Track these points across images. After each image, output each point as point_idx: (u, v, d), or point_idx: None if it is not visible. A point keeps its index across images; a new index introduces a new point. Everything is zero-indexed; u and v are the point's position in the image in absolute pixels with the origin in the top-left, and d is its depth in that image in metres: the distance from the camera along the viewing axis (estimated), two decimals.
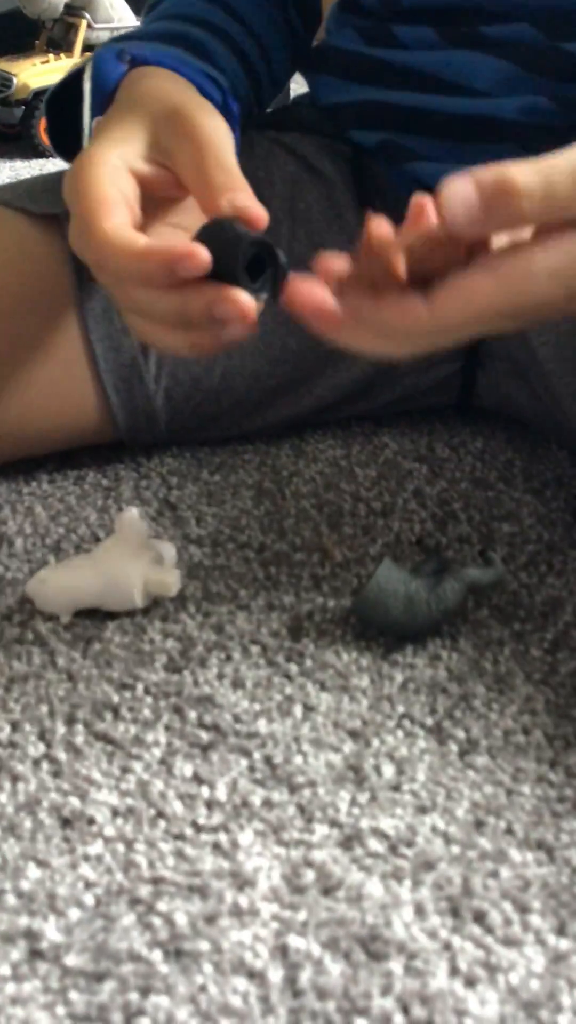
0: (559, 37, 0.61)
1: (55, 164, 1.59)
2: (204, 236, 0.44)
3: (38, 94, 1.60)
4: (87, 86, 0.57)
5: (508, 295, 0.41)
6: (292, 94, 1.67)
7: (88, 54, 1.67)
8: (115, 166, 0.48)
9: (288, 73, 0.73)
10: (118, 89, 0.56)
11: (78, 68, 0.62)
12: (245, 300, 0.43)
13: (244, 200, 0.45)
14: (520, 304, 0.41)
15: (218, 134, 0.48)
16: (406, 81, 0.66)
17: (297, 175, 0.70)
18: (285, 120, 0.74)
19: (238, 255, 0.43)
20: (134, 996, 0.35)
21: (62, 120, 0.65)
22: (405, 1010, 0.35)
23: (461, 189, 0.41)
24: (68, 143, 0.67)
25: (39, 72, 1.62)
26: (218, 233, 0.44)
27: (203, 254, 0.43)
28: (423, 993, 0.36)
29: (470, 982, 0.36)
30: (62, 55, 1.67)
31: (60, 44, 1.69)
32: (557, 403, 0.64)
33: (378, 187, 0.70)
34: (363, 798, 0.43)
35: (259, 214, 0.45)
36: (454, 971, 0.36)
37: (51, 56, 1.66)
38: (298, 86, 0.79)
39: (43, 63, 1.64)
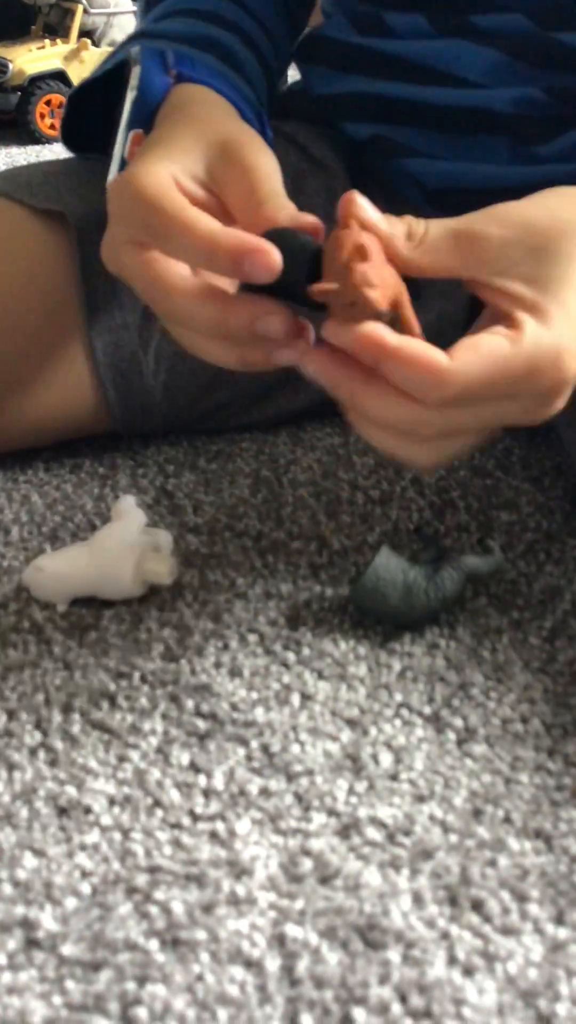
0: (552, 27, 0.61)
1: (51, 151, 1.58)
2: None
3: (34, 80, 1.59)
4: (131, 95, 0.55)
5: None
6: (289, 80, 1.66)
7: (85, 40, 1.66)
8: (171, 179, 0.46)
9: (289, 61, 0.72)
10: (162, 104, 0.55)
11: (109, 66, 0.60)
12: (288, 320, 0.42)
13: (302, 214, 0.44)
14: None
15: (270, 167, 0.46)
16: (397, 71, 0.65)
17: (299, 166, 0.69)
18: (285, 108, 0.73)
19: (303, 264, 0.40)
20: (131, 985, 0.35)
21: (74, 112, 0.64)
22: (403, 999, 0.35)
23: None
24: (76, 135, 0.66)
25: (35, 58, 1.61)
26: (279, 239, 0.41)
27: (275, 254, 0.40)
28: (421, 982, 0.35)
29: (468, 971, 0.36)
30: (58, 40, 1.66)
31: (56, 29, 1.68)
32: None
33: (375, 179, 0.70)
34: (361, 787, 0.43)
35: (318, 224, 0.43)
36: (452, 960, 0.36)
37: (47, 41, 1.65)
38: (295, 72, 0.79)
39: (39, 48, 1.63)
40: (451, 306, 0.67)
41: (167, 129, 0.51)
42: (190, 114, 0.52)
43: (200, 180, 0.47)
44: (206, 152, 0.48)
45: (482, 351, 0.40)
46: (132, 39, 0.62)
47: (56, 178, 0.65)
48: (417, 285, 0.53)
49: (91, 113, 0.64)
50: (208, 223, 0.43)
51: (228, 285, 0.45)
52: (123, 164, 0.55)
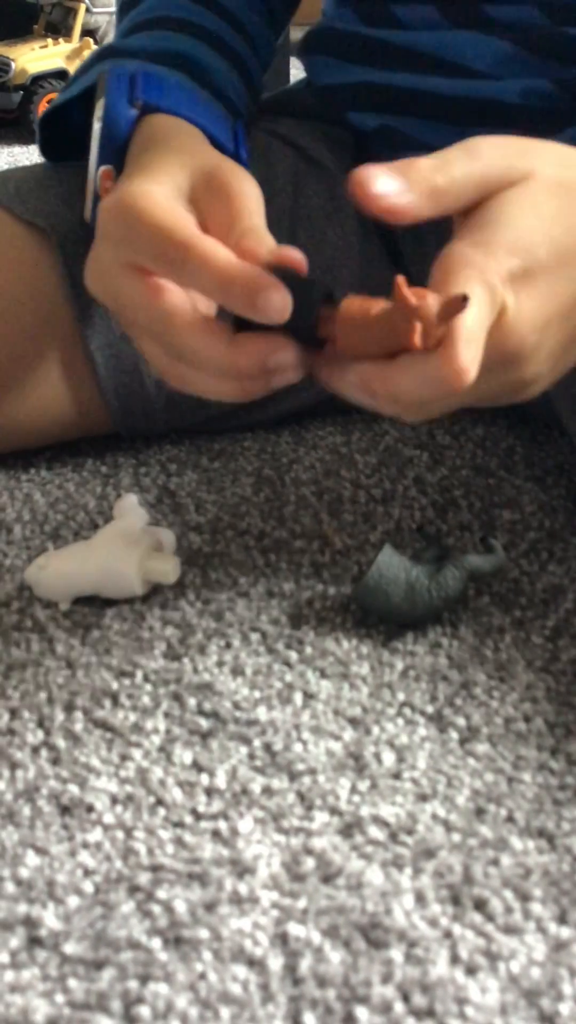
0: (565, 22, 0.61)
1: None
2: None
3: (36, 79, 1.59)
4: (97, 126, 0.54)
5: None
6: (292, 79, 1.66)
7: (88, 39, 1.66)
8: (176, 203, 0.45)
9: (272, 55, 0.71)
10: (132, 135, 0.54)
11: (78, 89, 0.59)
12: (298, 351, 0.42)
13: (284, 248, 0.43)
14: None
15: (253, 198, 0.46)
16: (405, 61, 0.65)
17: (297, 168, 0.69)
18: (282, 105, 0.73)
19: (310, 302, 0.41)
20: (133, 984, 0.35)
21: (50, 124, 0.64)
22: (406, 998, 0.35)
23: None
24: (53, 142, 0.66)
25: (38, 57, 1.61)
26: (285, 278, 0.41)
27: (287, 295, 0.40)
28: (424, 981, 0.35)
29: (471, 970, 0.36)
30: (61, 39, 1.66)
31: (59, 28, 1.68)
32: (558, 400, 0.64)
33: None
34: (363, 786, 0.43)
35: (301, 260, 0.43)
36: (455, 959, 0.36)
37: (50, 40, 1.65)
38: (298, 71, 0.78)
39: (42, 48, 1.63)
40: None
41: (148, 158, 0.49)
42: (168, 144, 0.51)
43: (187, 197, 0.46)
44: (189, 178, 0.47)
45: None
46: (101, 56, 0.61)
47: (47, 185, 0.65)
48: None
49: (68, 121, 0.64)
50: (226, 254, 0.42)
51: (206, 308, 0.44)
52: (97, 198, 0.55)
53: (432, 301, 0.39)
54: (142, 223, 0.43)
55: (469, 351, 0.39)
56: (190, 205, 0.46)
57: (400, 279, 0.39)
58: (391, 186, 0.40)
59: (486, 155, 0.42)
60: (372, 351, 0.41)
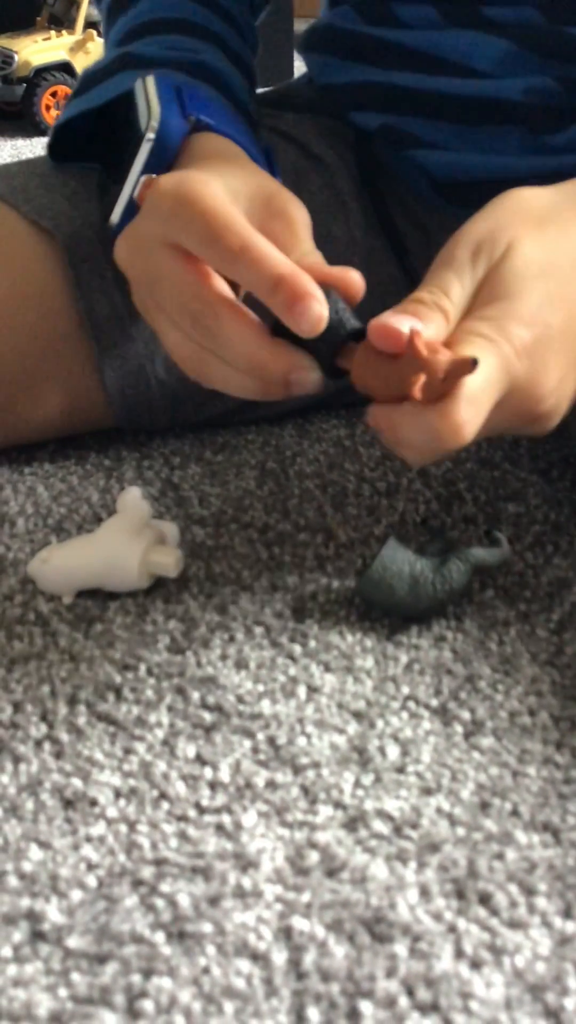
0: (563, 21, 0.60)
1: None
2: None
3: (40, 71, 1.58)
4: (149, 137, 0.54)
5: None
6: (296, 72, 1.66)
7: (91, 31, 1.66)
8: (228, 196, 0.46)
9: (257, 42, 0.70)
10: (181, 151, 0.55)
11: (108, 97, 0.59)
12: (321, 379, 0.45)
13: (346, 269, 0.46)
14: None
15: (308, 225, 0.48)
16: (407, 61, 0.64)
17: (298, 164, 0.69)
18: (284, 99, 0.73)
19: (339, 333, 0.44)
20: (136, 978, 0.35)
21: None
22: (410, 993, 0.35)
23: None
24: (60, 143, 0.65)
25: (40, 49, 1.61)
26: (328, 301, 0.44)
27: (325, 312, 0.43)
28: (428, 976, 0.35)
29: (475, 965, 0.36)
30: (64, 32, 1.66)
31: (62, 21, 1.67)
32: None
33: (381, 170, 0.69)
34: (367, 780, 0.43)
35: (359, 284, 0.46)
36: (459, 954, 0.36)
37: (53, 33, 1.65)
38: (302, 64, 0.78)
39: (45, 40, 1.62)
40: None
41: (206, 167, 0.50)
42: (224, 160, 0.52)
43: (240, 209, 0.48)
44: (248, 197, 0.48)
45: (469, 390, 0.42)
46: (122, 64, 0.61)
47: (52, 184, 0.64)
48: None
49: (70, 123, 0.63)
50: (281, 255, 0.44)
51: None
52: (131, 203, 0.55)
53: (443, 358, 0.41)
54: (201, 209, 0.44)
55: (469, 410, 0.41)
56: (247, 209, 0.48)
57: (415, 331, 0.42)
58: (409, 325, 0.43)
59: (467, 266, 0.45)
60: (382, 392, 0.43)
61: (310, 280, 0.43)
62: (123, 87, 0.58)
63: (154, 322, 0.49)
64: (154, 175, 0.54)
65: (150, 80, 0.56)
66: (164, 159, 0.54)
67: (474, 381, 0.41)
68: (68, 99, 0.64)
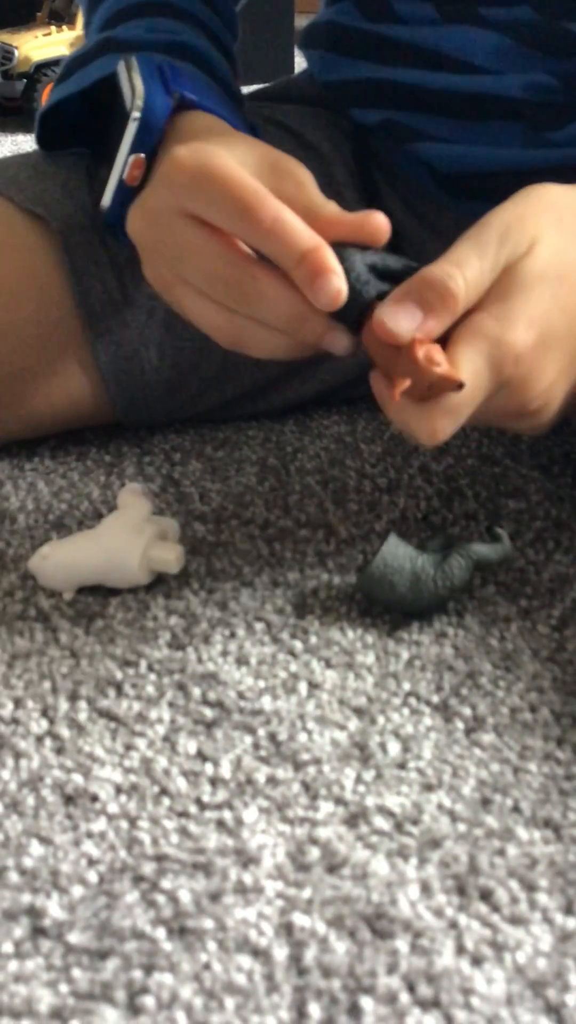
0: (560, 17, 0.60)
1: None
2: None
3: (40, 67, 1.58)
4: (135, 116, 0.54)
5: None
6: (297, 68, 1.65)
7: None
8: (242, 165, 0.47)
9: (237, 28, 0.70)
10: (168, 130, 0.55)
11: (89, 81, 0.59)
12: (353, 342, 0.47)
13: (369, 213, 0.47)
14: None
15: (314, 182, 0.49)
16: (407, 57, 0.64)
17: (294, 153, 0.68)
18: (285, 92, 0.73)
19: (355, 311, 0.46)
20: (138, 974, 0.35)
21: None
22: (411, 988, 0.35)
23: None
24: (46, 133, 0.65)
25: (41, 44, 1.61)
26: (348, 270, 0.46)
27: (342, 294, 0.45)
28: (429, 972, 0.35)
29: (477, 961, 0.36)
30: (64, 27, 1.65)
31: (62, 16, 1.67)
32: None
33: (380, 164, 0.69)
34: (368, 776, 0.43)
35: (384, 225, 0.47)
36: (460, 950, 0.36)
37: (53, 28, 1.64)
38: (303, 60, 0.78)
39: (45, 35, 1.62)
40: None
41: (204, 140, 0.50)
42: (217, 134, 0.52)
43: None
44: (257, 165, 0.48)
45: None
46: (101, 49, 0.61)
47: (44, 173, 0.64)
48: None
49: (60, 111, 0.63)
50: (305, 227, 0.45)
51: None
52: (121, 185, 0.55)
53: (436, 370, 0.43)
54: (227, 183, 0.45)
55: (446, 420, 0.44)
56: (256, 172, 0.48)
57: (416, 339, 0.44)
58: (410, 324, 0.44)
59: (492, 247, 0.45)
60: (380, 364, 0.46)
61: (331, 255, 0.44)
62: (105, 71, 0.58)
63: (177, 296, 0.49)
64: (142, 155, 0.54)
65: (132, 61, 0.56)
66: (151, 138, 0.54)
67: (458, 396, 0.43)
68: (52, 87, 0.64)
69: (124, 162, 0.54)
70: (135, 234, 0.49)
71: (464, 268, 0.44)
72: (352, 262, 0.46)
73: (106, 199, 0.55)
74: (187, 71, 0.58)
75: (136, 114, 0.53)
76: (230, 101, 0.59)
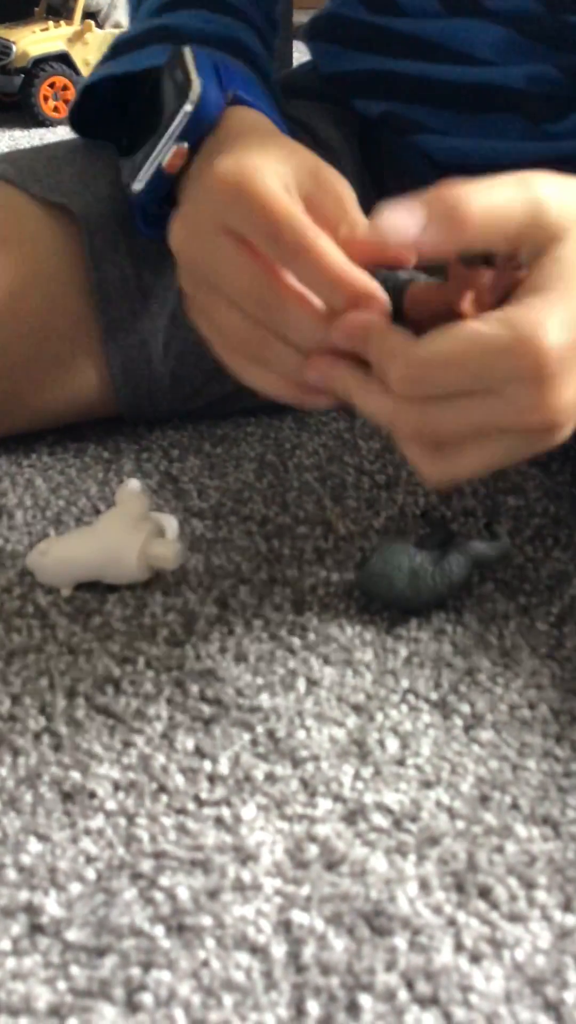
0: (562, 10, 0.60)
1: (55, 134, 1.57)
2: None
3: (38, 62, 1.58)
4: (188, 108, 0.53)
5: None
6: (295, 62, 1.65)
7: (89, 22, 1.65)
8: (283, 184, 0.46)
9: (277, 37, 0.71)
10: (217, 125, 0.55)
11: (142, 66, 0.59)
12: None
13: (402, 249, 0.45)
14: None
15: (353, 196, 0.47)
16: (410, 49, 0.65)
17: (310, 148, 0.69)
18: (292, 86, 0.73)
19: (399, 291, 0.44)
20: (136, 971, 0.35)
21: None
22: (410, 986, 0.35)
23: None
24: (82, 120, 0.65)
25: (38, 40, 1.60)
26: (380, 278, 0.44)
27: (386, 307, 0.42)
28: (428, 969, 0.35)
29: (475, 958, 0.36)
30: (62, 22, 1.65)
31: (60, 11, 1.67)
32: None
33: (384, 157, 0.69)
34: (367, 772, 0.43)
35: (409, 253, 0.44)
36: (459, 947, 0.36)
37: (51, 23, 1.64)
38: (300, 54, 0.78)
39: (43, 31, 1.62)
40: None
41: (246, 144, 0.50)
42: (263, 136, 0.52)
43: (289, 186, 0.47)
44: (294, 172, 0.47)
45: (448, 330, 0.40)
46: (155, 35, 0.61)
47: (60, 164, 0.65)
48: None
49: (99, 98, 0.63)
50: (339, 255, 0.43)
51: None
52: (159, 172, 0.55)
53: (486, 273, 0.41)
54: (261, 203, 0.44)
55: (540, 306, 0.40)
56: (296, 184, 0.47)
57: (454, 258, 0.41)
58: (409, 222, 0.41)
59: (540, 189, 0.42)
60: (438, 324, 0.41)
61: (364, 276, 0.43)
62: (155, 60, 0.58)
63: (208, 307, 0.48)
64: (186, 145, 0.54)
65: (188, 52, 0.56)
66: (199, 130, 0.54)
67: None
68: (98, 63, 0.64)
69: (167, 148, 0.54)
70: (176, 244, 0.48)
71: (491, 194, 0.41)
72: (384, 275, 0.45)
73: (139, 183, 0.55)
74: (239, 69, 0.58)
75: (188, 107, 0.53)
76: (275, 103, 0.59)
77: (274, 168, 0.46)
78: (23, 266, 0.61)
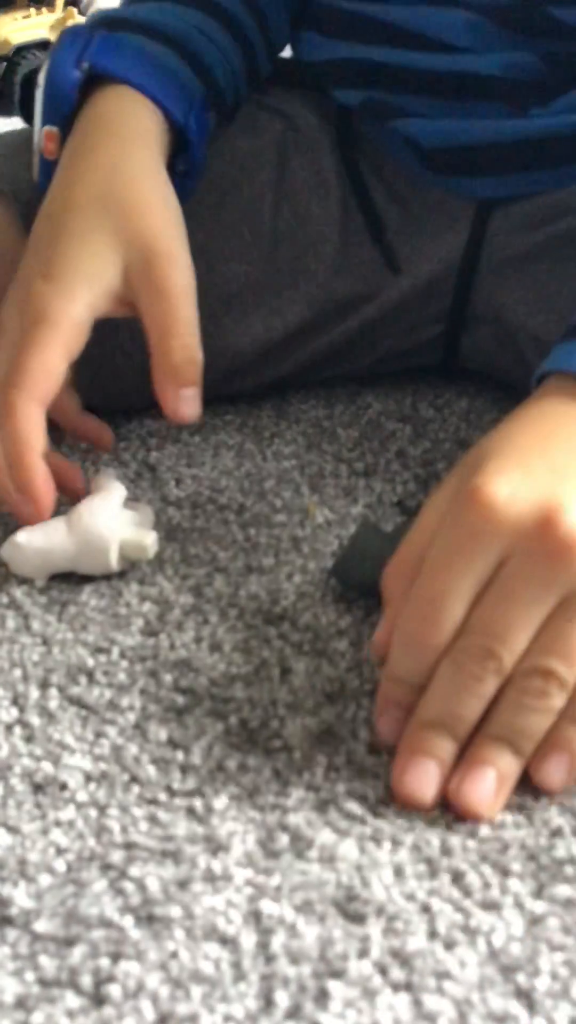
0: (541, 2, 0.59)
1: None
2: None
3: (20, 49, 1.56)
4: (39, 90, 0.54)
5: None
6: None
7: (71, 9, 1.64)
8: (78, 324, 0.51)
9: (286, 38, 0.70)
10: (80, 110, 0.55)
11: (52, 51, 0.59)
12: None
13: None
14: None
15: (188, 293, 0.52)
16: (388, 37, 0.64)
17: (284, 140, 0.68)
18: (273, 77, 0.72)
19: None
20: (104, 962, 0.35)
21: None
22: (383, 972, 0.35)
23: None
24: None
25: (21, 27, 1.59)
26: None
27: (39, 516, 0.51)
28: (402, 954, 0.35)
29: (449, 945, 0.36)
30: (44, 9, 1.63)
31: None
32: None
33: (362, 146, 0.69)
34: (340, 762, 0.42)
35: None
36: (433, 934, 0.36)
37: (32, 11, 1.62)
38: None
39: (24, 18, 1.60)
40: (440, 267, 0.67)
41: (80, 232, 0.52)
42: (105, 164, 0.53)
43: (115, 294, 0.52)
44: (125, 266, 0.51)
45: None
46: (95, 24, 0.61)
47: (14, 151, 0.64)
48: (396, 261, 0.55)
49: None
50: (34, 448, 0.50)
51: None
52: (41, 159, 0.55)
53: None
54: (37, 327, 0.50)
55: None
56: (123, 287, 0.52)
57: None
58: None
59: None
60: None
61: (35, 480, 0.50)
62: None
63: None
64: (55, 128, 0.54)
65: (64, 32, 0.56)
66: (60, 110, 0.55)
67: None
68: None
69: (39, 134, 0.55)
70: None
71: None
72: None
73: (33, 173, 0.56)
74: (132, 44, 0.57)
75: (40, 87, 0.54)
76: (174, 79, 0.58)
77: (88, 289, 0.51)
78: None
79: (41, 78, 0.55)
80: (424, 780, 0.40)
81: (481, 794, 0.39)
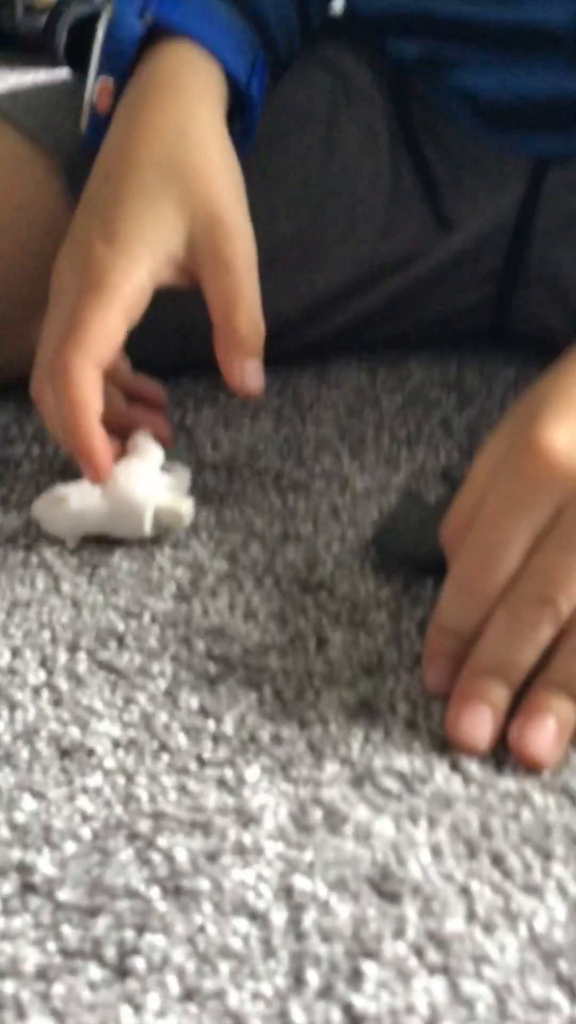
0: None
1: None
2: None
3: (62, 2, 1.54)
4: (99, 35, 0.52)
5: None
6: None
7: None
8: (140, 290, 0.49)
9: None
10: (139, 63, 0.53)
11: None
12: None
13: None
14: None
15: (252, 265, 0.50)
16: None
17: (336, 97, 0.66)
18: (328, 31, 0.70)
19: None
20: (129, 933, 0.33)
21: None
22: (419, 954, 0.33)
23: None
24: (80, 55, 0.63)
25: None
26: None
27: (103, 474, 0.49)
28: (439, 936, 0.33)
29: (488, 928, 0.34)
30: None
31: None
32: None
33: (417, 104, 0.67)
34: (377, 736, 0.41)
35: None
36: (472, 916, 0.34)
37: None
38: None
39: None
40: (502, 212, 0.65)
41: (144, 195, 0.50)
42: (171, 137, 0.51)
43: (178, 262, 0.50)
44: (188, 234, 0.50)
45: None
46: None
47: (61, 100, 0.62)
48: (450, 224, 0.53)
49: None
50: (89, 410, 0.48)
51: None
52: (93, 112, 0.53)
53: None
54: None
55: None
56: (187, 257, 0.50)
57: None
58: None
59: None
60: None
61: (95, 442, 0.48)
62: None
63: (53, 301, 0.52)
64: (110, 79, 0.52)
65: None
66: (121, 61, 0.52)
67: None
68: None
69: (94, 84, 0.52)
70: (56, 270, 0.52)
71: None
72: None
73: (83, 124, 0.54)
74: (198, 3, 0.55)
75: (100, 33, 0.52)
76: (237, 34, 0.56)
77: (151, 255, 0.49)
78: (19, 204, 0.59)
79: (100, 29, 0.53)
80: (480, 725, 0.39)
81: (542, 741, 0.39)
